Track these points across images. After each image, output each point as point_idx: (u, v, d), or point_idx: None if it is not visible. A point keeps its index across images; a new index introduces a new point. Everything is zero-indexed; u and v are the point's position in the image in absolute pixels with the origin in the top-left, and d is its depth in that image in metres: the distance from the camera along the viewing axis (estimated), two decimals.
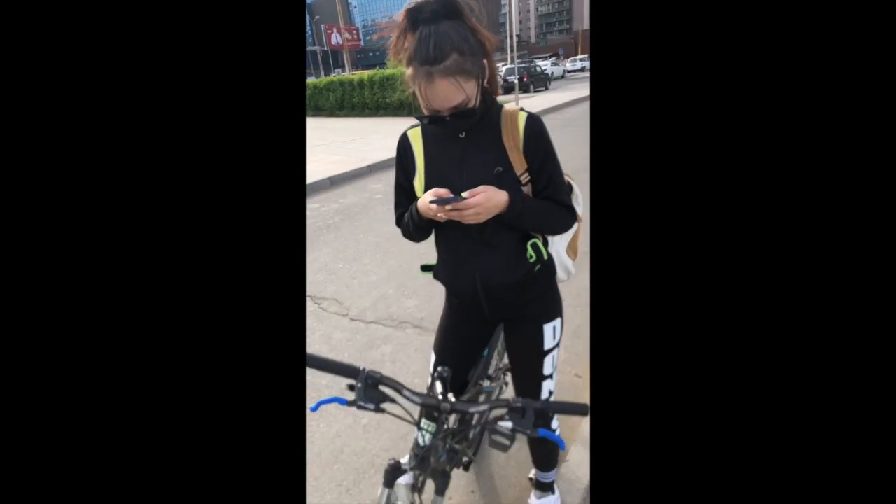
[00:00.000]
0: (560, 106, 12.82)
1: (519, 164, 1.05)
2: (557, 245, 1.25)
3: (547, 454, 1.45)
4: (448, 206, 0.97)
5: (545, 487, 1.53)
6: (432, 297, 3.12)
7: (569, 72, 31.85)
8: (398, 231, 1.22)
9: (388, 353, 2.57)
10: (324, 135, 11.00)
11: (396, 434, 1.99)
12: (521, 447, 1.85)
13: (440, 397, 1.01)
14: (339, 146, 9.26)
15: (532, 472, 1.57)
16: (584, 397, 2.15)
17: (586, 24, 73.55)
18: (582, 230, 1.34)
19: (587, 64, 35.73)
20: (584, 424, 1.92)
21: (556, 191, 1.08)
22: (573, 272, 1.30)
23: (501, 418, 1.42)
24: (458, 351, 1.30)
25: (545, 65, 24.00)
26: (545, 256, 1.14)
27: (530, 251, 1.10)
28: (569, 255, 1.29)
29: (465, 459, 1.66)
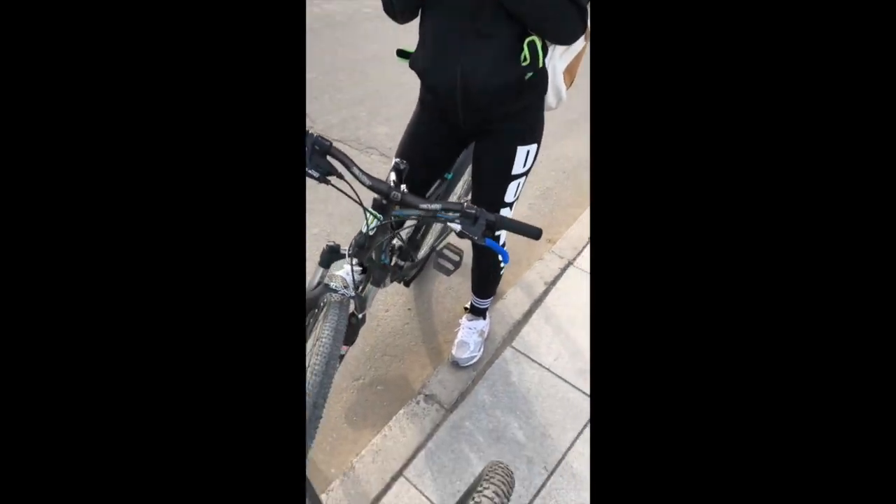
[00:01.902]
0: None
1: None
2: (556, 61, 1.09)
3: (487, 281, 1.48)
4: None
5: (478, 312, 1.60)
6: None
7: None
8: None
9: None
10: None
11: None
12: (462, 281, 1.91)
13: (392, 185, 0.94)
14: None
15: (468, 303, 1.63)
16: (538, 253, 2.19)
17: None
18: (585, 55, 1.17)
19: None
20: (527, 274, 1.97)
21: None
22: (564, 99, 1.17)
23: (449, 247, 1.39)
24: (422, 160, 1.20)
25: None
26: (540, 64, 0.99)
27: (526, 52, 0.95)
28: (564, 80, 1.15)
29: (406, 277, 1.69)
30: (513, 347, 1.65)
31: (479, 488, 0.71)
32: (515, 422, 1.45)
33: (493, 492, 0.69)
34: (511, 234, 0.98)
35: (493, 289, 1.54)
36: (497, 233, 1.27)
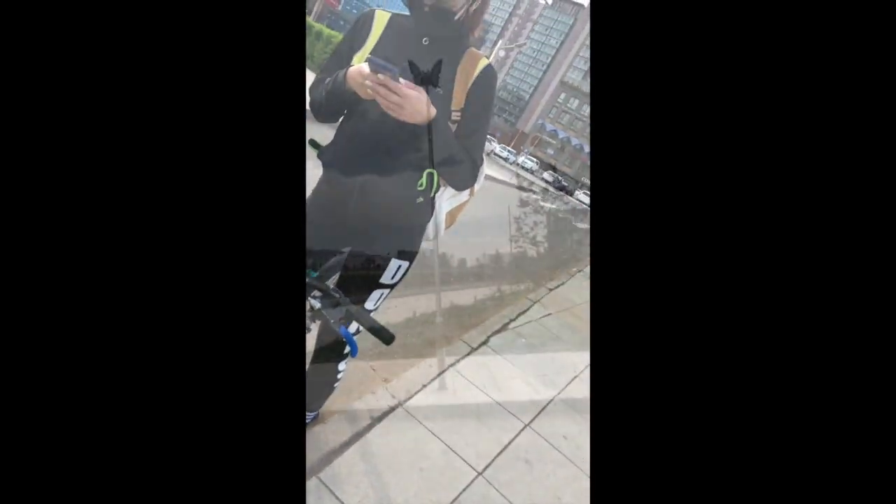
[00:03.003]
0: None
1: (458, 101, 1.07)
2: (443, 201, 1.27)
3: (319, 389, 1.38)
4: (380, 76, 0.93)
5: None
6: None
7: (495, 153, 34.47)
8: None
9: None
10: None
11: None
12: None
13: None
14: None
15: None
16: (370, 387, 2.13)
17: (527, 129, 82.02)
18: (465, 208, 1.39)
19: (511, 157, 39.29)
20: (356, 404, 1.88)
21: (474, 145, 1.12)
22: (441, 234, 1.33)
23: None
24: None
25: None
26: (432, 194, 1.14)
27: (424, 179, 1.10)
28: (445, 220, 1.32)
29: None
30: (318, 478, 1.47)
31: None
32: None
33: None
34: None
35: (321, 403, 1.43)
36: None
